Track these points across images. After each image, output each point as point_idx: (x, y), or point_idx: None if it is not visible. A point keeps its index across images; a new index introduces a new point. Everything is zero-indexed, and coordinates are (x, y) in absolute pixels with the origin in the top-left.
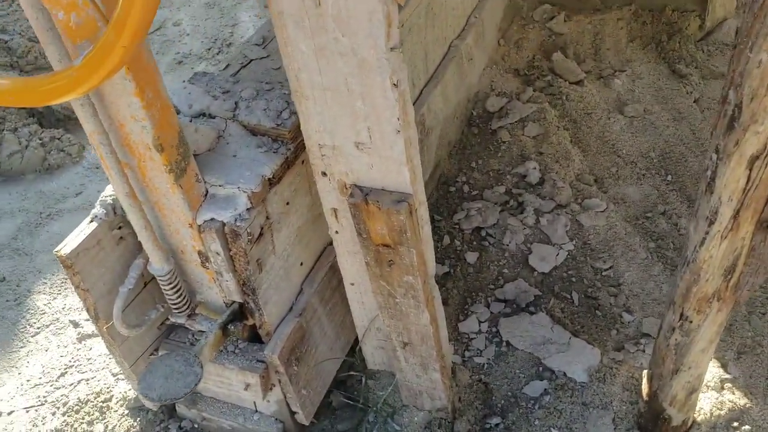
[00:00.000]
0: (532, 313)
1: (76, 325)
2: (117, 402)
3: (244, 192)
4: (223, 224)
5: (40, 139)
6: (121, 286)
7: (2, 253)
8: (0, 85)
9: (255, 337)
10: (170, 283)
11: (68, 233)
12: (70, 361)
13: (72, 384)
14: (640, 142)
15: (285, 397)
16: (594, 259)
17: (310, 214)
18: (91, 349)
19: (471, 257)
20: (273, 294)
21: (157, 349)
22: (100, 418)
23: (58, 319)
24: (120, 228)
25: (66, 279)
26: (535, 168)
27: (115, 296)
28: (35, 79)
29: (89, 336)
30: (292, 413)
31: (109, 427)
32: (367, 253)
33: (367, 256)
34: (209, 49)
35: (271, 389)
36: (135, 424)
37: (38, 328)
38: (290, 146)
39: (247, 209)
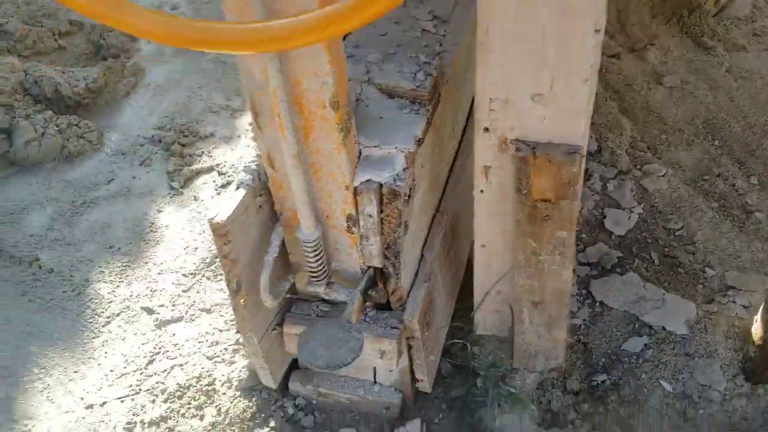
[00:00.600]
0: (621, 274)
1: (150, 311)
2: (222, 384)
3: (402, 152)
4: (381, 185)
5: (57, 126)
6: (266, 255)
7: (41, 244)
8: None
9: (379, 305)
10: (315, 250)
11: (111, 221)
12: (154, 348)
13: (165, 370)
14: (683, 111)
15: (411, 365)
16: (664, 220)
17: (430, 178)
18: (174, 334)
19: None
20: (408, 258)
21: (279, 324)
22: (208, 401)
23: (128, 306)
24: (260, 195)
25: (125, 266)
26: (591, 137)
27: (253, 267)
28: (311, 16)
29: (168, 322)
30: (413, 381)
31: (222, 410)
32: (522, 209)
33: (519, 213)
34: None
35: (399, 356)
36: (250, 404)
37: (108, 317)
38: (428, 107)
39: (404, 169)
